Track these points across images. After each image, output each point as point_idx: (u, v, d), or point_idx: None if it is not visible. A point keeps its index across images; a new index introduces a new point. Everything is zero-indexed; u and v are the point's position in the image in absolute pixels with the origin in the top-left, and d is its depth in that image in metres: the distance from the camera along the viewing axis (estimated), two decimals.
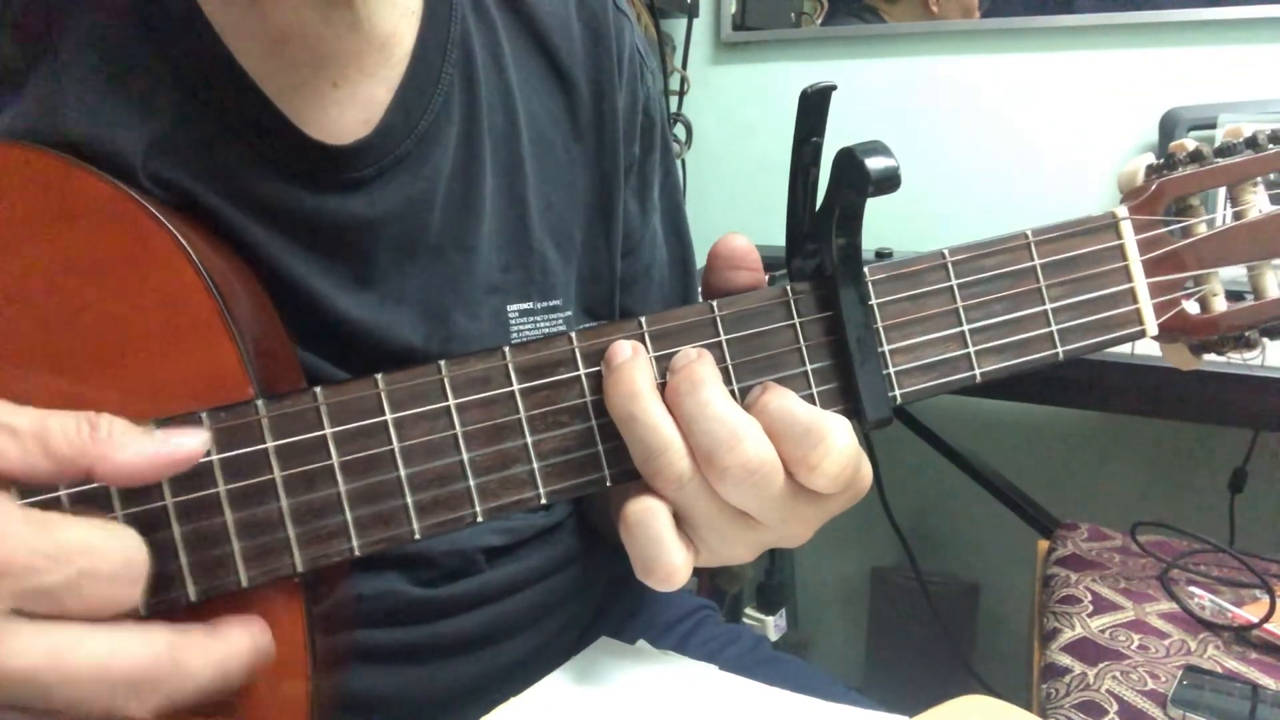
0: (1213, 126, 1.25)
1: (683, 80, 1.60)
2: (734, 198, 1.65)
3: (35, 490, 0.34)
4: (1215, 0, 1.30)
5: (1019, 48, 1.44)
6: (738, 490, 0.37)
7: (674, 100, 1.60)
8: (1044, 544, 1.14)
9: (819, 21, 1.59)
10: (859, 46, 1.55)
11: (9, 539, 0.29)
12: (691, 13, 1.58)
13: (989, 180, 1.48)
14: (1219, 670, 0.81)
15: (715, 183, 1.66)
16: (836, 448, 0.37)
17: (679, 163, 1.62)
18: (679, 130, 1.62)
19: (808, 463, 0.37)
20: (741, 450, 0.36)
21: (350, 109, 0.50)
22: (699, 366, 0.38)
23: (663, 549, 0.37)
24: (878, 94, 1.52)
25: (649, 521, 0.37)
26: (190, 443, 0.34)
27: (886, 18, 1.53)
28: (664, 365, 0.39)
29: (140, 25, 0.46)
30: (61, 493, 0.35)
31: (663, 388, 0.38)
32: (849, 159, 0.37)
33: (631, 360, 0.38)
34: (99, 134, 0.45)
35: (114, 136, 0.45)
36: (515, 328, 0.56)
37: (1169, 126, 1.31)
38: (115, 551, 0.31)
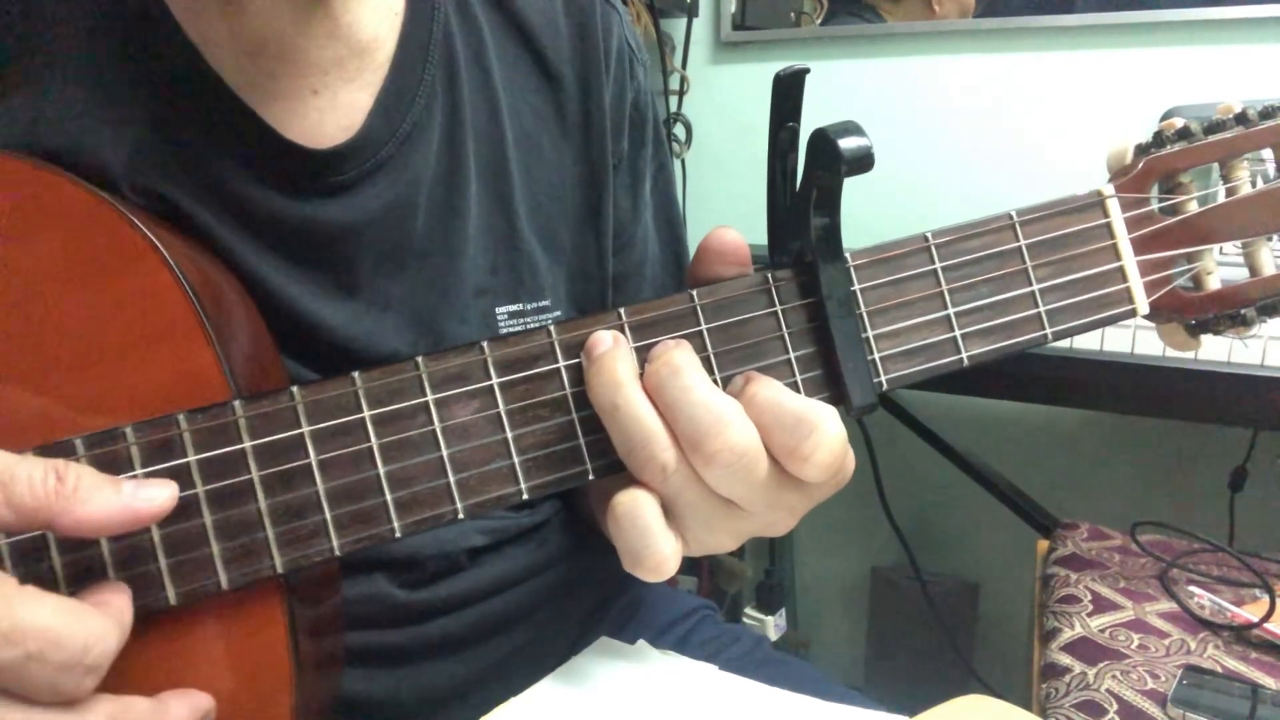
0: None
1: (683, 80, 1.60)
2: (734, 198, 1.65)
3: None
4: (1215, 0, 1.30)
5: (1019, 48, 1.44)
6: (724, 475, 0.36)
7: (674, 100, 1.60)
8: (1044, 544, 1.14)
9: (819, 21, 1.58)
10: (859, 46, 1.55)
11: None
12: (691, 13, 1.58)
13: (989, 180, 1.48)
14: (1219, 670, 0.80)
15: (715, 183, 1.66)
16: (829, 437, 0.36)
17: (678, 163, 1.63)
18: (679, 130, 1.62)
19: (800, 453, 0.36)
20: (728, 434, 0.35)
21: (331, 115, 0.49)
22: (677, 353, 0.37)
23: (651, 538, 0.37)
24: (877, 94, 1.52)
25: (637, 512, 0.37)
26: (159, 495, 0.34)
27: (888, 17, 1.53)
28: (645, 356, 0.39)
29: (115, 36, 0.46)
30: (1, 541, 0.34)
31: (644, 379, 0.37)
32: (822, 139, 0.37)
33: (613, 350, 0.38)
34: (81, 146, 0.45)
35: (96, 149, 0.45)
36: (505, 329, 0.56)
37: None
38: (75, 639, 0.31)
